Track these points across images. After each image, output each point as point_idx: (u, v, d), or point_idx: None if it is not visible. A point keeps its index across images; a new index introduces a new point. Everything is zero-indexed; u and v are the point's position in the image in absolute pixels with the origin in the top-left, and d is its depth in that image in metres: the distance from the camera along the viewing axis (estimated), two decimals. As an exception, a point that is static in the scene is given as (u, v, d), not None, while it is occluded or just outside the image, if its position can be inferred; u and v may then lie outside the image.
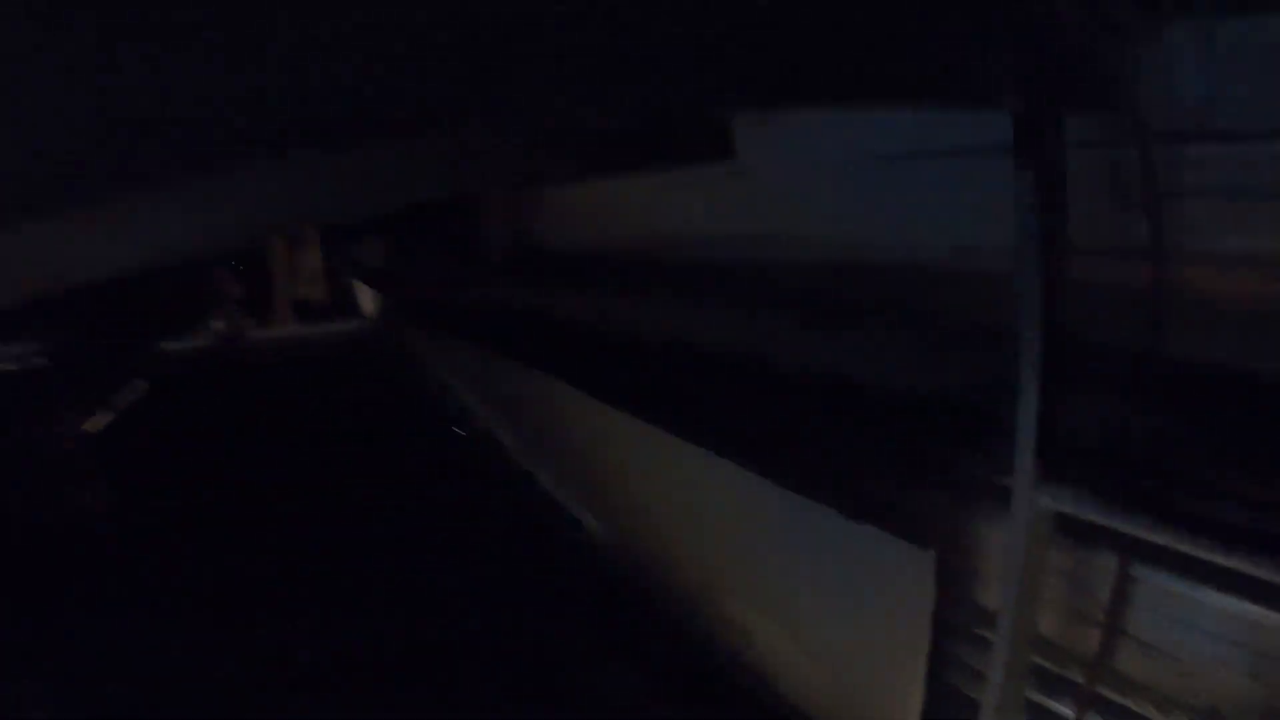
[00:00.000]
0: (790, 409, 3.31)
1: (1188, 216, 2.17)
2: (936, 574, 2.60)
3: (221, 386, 12.61)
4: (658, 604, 4.32)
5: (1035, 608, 2.37)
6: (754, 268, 3.77)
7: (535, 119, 1.58)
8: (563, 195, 6.02)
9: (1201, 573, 2.04)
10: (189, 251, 1.85)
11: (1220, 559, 1.93)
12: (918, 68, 1.61)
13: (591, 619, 4.41)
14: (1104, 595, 2.28)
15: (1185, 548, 2.00)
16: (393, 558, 5.50)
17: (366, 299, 18.16)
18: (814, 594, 3.07)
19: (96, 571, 5.54)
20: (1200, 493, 2.06)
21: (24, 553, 5.69)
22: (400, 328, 12.99)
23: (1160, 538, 2.03)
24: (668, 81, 1.49)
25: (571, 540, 5.36)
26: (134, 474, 7.37)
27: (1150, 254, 2.17)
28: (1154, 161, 2.10)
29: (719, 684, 3.66)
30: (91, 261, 1.57)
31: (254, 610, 4.80)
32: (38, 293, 1.58)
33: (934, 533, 2.66)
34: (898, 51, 1.60)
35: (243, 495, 7.13)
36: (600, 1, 1.36)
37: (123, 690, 4.02)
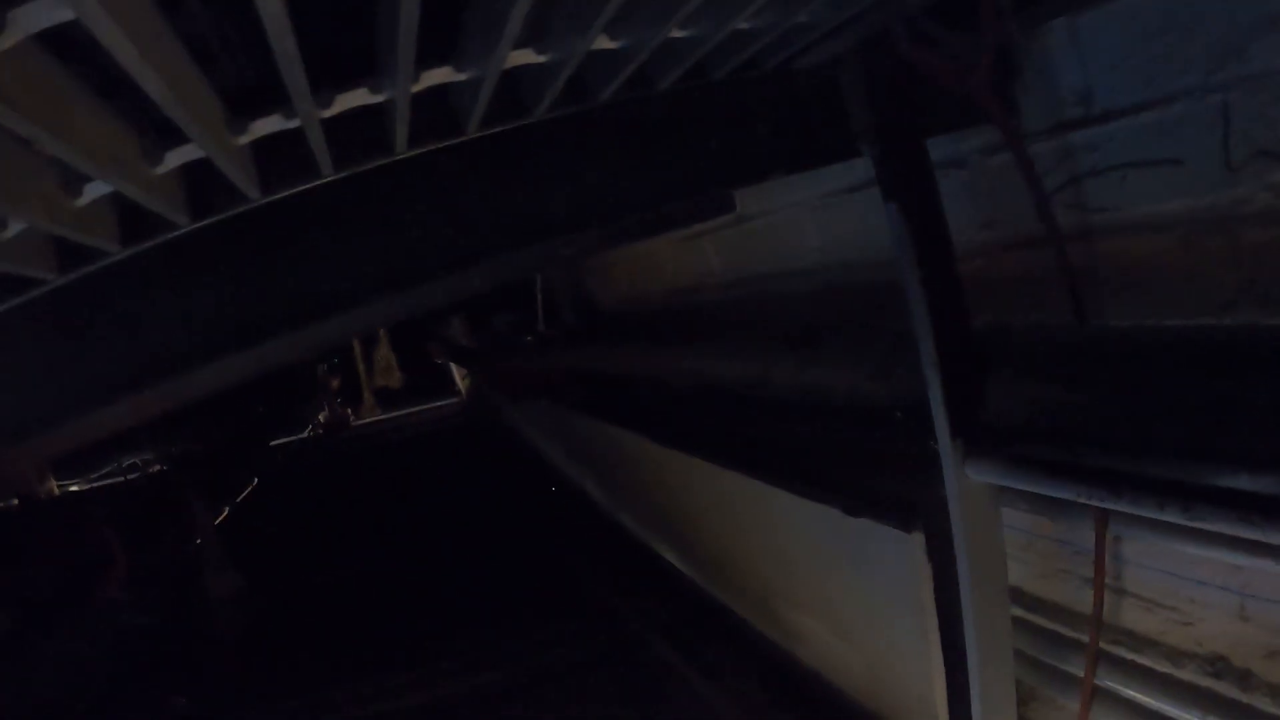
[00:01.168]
0: (803, 424, 3.77)
1: (1091, 196, 2.44)
2: (928, 553, 3.01)
3: (332, 471, 13.65)
4: (731, 619, 4.81)
5: (1004, 570, 2.73)
6: (759, 302, 4.29)
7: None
8: (608, 260, 6.67)
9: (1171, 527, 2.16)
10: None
11: (1151, 514, 2.08)
12: (796, 145, 2.17)
13: (678, 639, 4.93)
14: (1094, 556, 2.44)
15: (1111, 505, 2.17)
16: (497, 605, 6.17)
17: (458, 377, 19.26)
18: (836, 586, 3.51)
19: (237, 649, 6.37)
20: (1121, 450, 2.39)
21: (175, 641, 6.57)
22: (489, 400, 13.80)
23: (1085, 498, 2.32)
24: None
25: (654, 575, 5.90)
26: (260, 560, 8.27)
27: (1050, 239, 2.44)
28: (1029, 158, 2.40)
29: (787, 685, 4.11)
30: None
31: (369, 664, 5.51)
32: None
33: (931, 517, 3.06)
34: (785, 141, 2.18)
35: (357, 562, 7.98)
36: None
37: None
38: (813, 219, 3.70)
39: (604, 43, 1.48)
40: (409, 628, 6.05)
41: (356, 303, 1.93)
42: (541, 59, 1.48)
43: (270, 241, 1.76)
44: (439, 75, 1.43)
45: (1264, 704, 2.18)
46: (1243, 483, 2.02)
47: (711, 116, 2.01)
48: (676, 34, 1.55)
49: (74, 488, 10.95)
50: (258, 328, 1.72)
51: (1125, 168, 2.35)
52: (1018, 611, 2.88)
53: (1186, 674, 2.38)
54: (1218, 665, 2.31)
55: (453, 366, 19.10)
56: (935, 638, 3.09)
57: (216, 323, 1.72)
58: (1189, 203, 2.24)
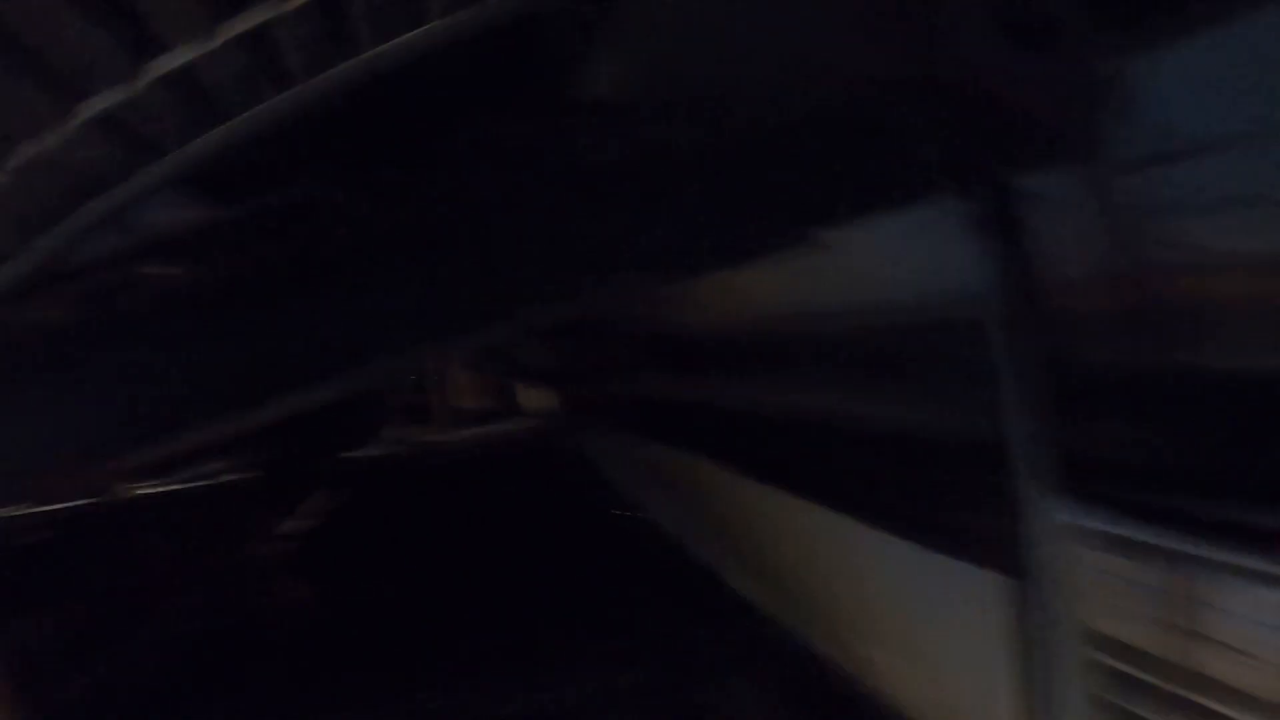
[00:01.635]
0: (883, 457, 3.86)
1: (1177, 232, 2.43)
2: (1008, 591, 3.06)
3: (399, 488, 13.99)
4: (803, 652, 4.89)
5: (1083, 613, 2.77)
6: (842, 333, 4.38)
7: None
8: (687, 289, 6.80)
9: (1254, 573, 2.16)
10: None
11: (1236, 559, 2.15)
12: (881, 184, 2.29)
13: (745, 668, 5.02)
14: (1174, 599, 2.44)
15: (1198, 551, 2.26)
16: (563, 627, 6.31)
17: (530, 399, 19.56)
18: (913, 622, 3.57)
19: (300, 660, 6.60)
20: (1206, 493, 2.43)
21: (240, 646, 6.84)
22: (559, 423, 14.03)
23: (1170, 541, 2.34)
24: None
25: (725, 606, 6.01)
26: (327, 572, 8.56)
27: (1134, 275, 2.49)
28: (1113, 196, 2.46)
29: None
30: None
31: (433, 678, 5.69)
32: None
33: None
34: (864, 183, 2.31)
35: (421, 576, 8.18)
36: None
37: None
38: (898, 251, 3.78)
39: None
40: (473, 644, 6.20)
41: (449, 333, 2.13)
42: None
43: (376, 268, 1.96)
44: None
45: (1348, 758, 2.18)
46: (1330, 529, 2.05)
47: (794, 157, 2.16)
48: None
49: (145, 491, 11.44)
50: (364, 351, 1.91)
51: (1213, 204, 2.36)
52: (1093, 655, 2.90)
53: (1267, 726, 2.38)
54: (1299, 715, 2.32)
55: (525, 389, 19.42)
56: (1013, 678, 3.14)
57: (321, 345, 1.92)
58: (1280, 240, 2.25)
